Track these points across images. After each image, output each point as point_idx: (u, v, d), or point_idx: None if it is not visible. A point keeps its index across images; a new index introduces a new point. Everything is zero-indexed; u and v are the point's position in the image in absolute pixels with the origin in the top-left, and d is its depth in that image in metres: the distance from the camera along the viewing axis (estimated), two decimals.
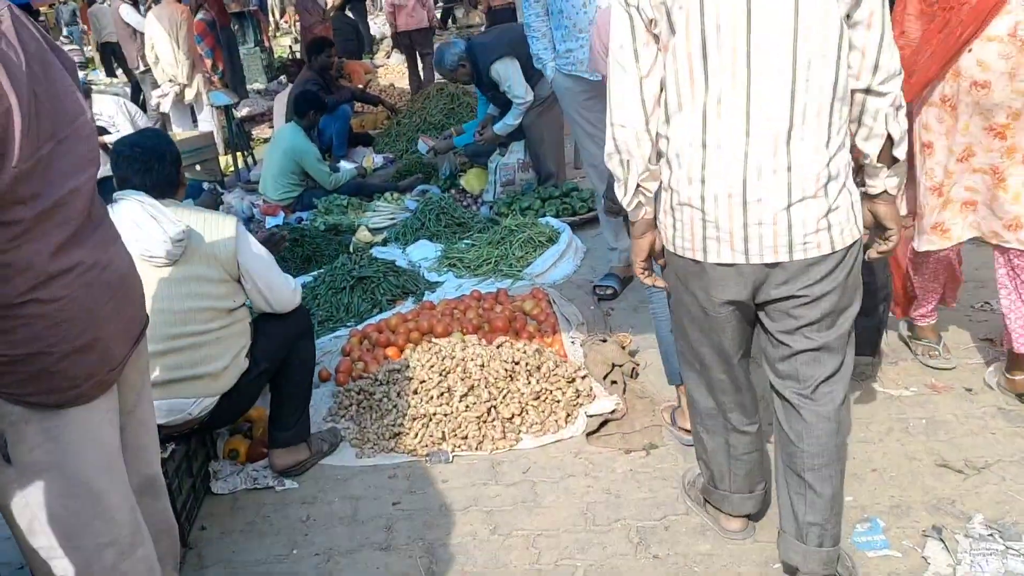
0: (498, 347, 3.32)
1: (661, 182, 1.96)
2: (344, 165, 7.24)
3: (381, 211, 6.04)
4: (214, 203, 4.79)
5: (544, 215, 5.23)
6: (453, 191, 6.33)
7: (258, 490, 2.90)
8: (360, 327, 4.08)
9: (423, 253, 5.07)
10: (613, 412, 3.07)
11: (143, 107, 10.48)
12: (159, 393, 2.55)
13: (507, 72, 5.43)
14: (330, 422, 3.29)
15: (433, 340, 3.46)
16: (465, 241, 5.08)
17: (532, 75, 5.29)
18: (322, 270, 4.71)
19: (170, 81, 9.65)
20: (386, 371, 3.33)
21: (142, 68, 10.10)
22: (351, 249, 5.36)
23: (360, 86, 9.76)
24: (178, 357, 2.59)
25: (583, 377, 3.24)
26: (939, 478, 2.58)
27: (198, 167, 7.51)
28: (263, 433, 3.06)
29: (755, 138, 1.77)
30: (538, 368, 3.21)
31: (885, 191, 1.93)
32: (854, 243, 1.87)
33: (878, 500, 2.53)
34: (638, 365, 3.42)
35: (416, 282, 4.57)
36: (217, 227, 2.65)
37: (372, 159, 7.73)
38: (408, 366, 3.31)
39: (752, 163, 1.78)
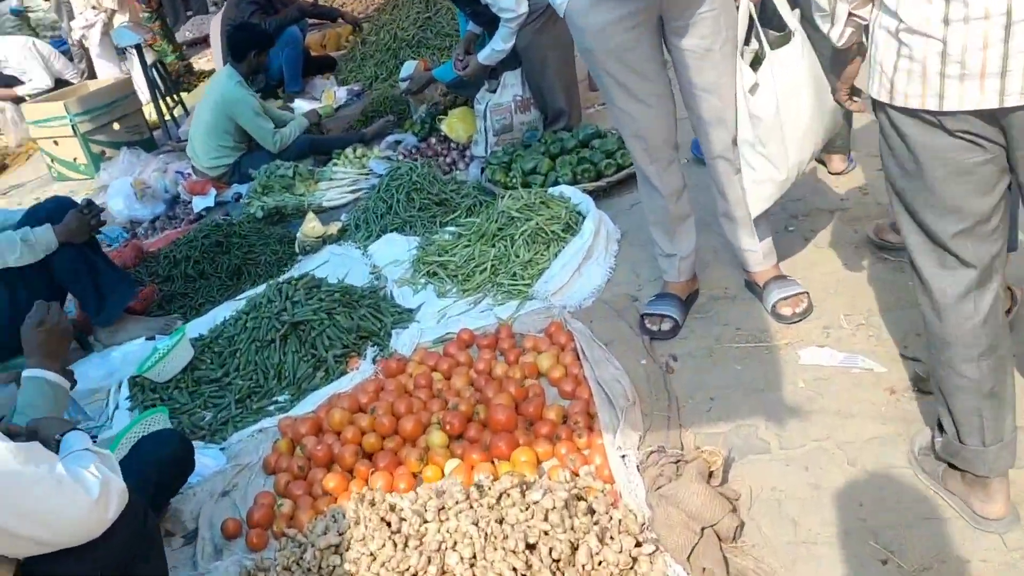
0: (500, 521, 1.90)
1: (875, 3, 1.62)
2: (298, 106, 5.71)
3: (339, 180, 4.56)
4: (85, 226, 3.26)
5: (557, 182, 3.72)
6: (433, 139, 4.80)
7: None
8: (294, 413, 2.71)
9: (392, 253, 3.61)
10: None
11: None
12: None
13: None
14: None
15: (389, 499, 2.04)
16: (449, 229, 3.60)
17: None
18: (245, 301, 3.25)
19: (93, 8, 7.96)
20: (317, 550, 1.97)
21: None
22: (297, 249, 3.92)
23: None
24: None
25: (651, 553, 1.86)
26: None
27: (116, 125, 5.98)
28: None
29: None
30: (573, 553, 1.82)
31: None
32: None
33: None
34: (738, 501, 2.01)
35: (379, 313, 3.13)
36: None
37: (334, 94, 6.17)
38: (349, 546, 1.94)
39: None
